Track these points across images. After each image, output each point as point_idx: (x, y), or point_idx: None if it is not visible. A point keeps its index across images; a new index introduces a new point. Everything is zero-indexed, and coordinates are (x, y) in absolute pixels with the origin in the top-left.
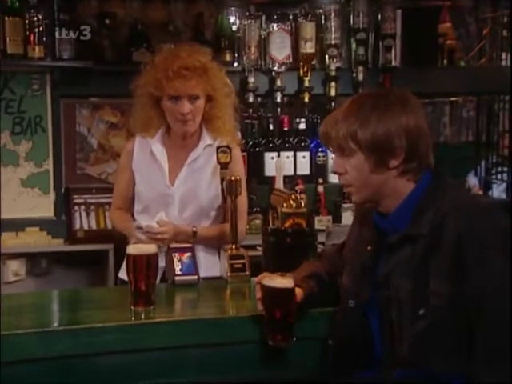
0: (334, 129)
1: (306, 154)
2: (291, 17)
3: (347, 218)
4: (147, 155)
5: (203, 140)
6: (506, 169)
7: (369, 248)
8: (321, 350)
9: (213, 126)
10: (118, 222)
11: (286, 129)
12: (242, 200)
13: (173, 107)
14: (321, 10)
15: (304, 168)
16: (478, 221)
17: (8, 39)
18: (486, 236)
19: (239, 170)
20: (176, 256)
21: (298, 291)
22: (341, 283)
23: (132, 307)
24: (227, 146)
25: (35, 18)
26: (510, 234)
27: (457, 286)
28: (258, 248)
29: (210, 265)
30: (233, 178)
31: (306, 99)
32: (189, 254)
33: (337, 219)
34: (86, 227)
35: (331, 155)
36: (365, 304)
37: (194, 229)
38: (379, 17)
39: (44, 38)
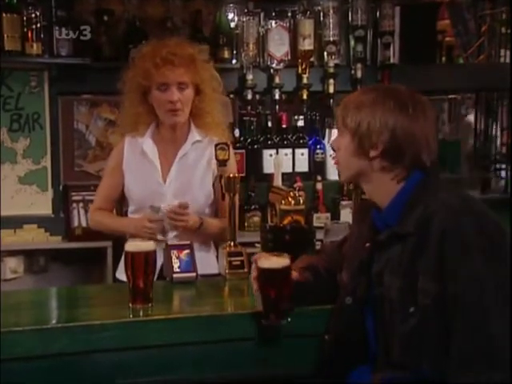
0: (341, 106)
1: (305, 151)
2: (290, 14)
3: (345, 215)
4: (138, 154)
5: (191, 135)
6: (504, 166)
7: (367, 245)
8: (318, 345)
9: (202, 120)
10: (105, 218)
11: (284, 126)
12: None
13: (161, 96)
14: (319, 7)
15: (302, 165)
16: (462, 220)
17: (6, 36)
18: (469, 236)
19: (232, 166)
20: (174, 253)
21: (294, 274)
22: (339, 279)
23: (130, 304)
24: (225, 143)
25: (33, 15)
26: (496, 235)
27: (441, 285)
28: (257, 245)
29: (205, 262)
30: (231, 175)
31: (305, 96)
32: (187, 251)
33: (335, 216)
34: (84, 224)
35: (329, 152)
36: (362, 301)
37: (200, 219)
38: (378, 14)
39: (42, 35)
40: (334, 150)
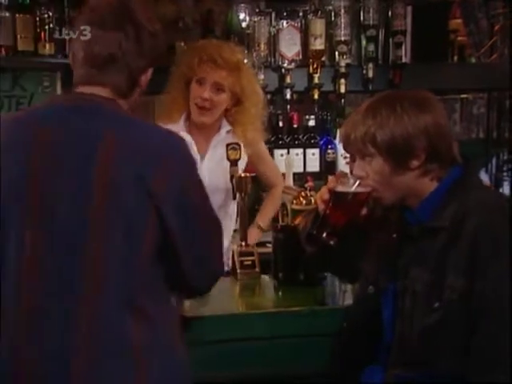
0: (352, 132)
1: (316, 150)
2: (301, 13)
3: None
4: None
5: (224, 127)
6: None
7: (394, 236)
8: (336, 333)
9: (234, 129)
10: None
11: (295, 126)
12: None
13: (197, 90)
14: (330, 7)
15: (313, 165)
16: (497, 219)
17: (19, 36)
18: (503, 235)
19: (270, 166)
20: None
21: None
22: (362, 267)
23: None
24: (237, 143)
25: (45, 15)
26: None
27: (470, 283)
28: (268, 245)
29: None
30: (243, 175)
31: (316, 96)
32: None
33: None
34: None
35: (340, 152)
36: (384, 291)
37: (259, 224)
38: (389, 13)
39: (54, 35)
40: (360, 177)
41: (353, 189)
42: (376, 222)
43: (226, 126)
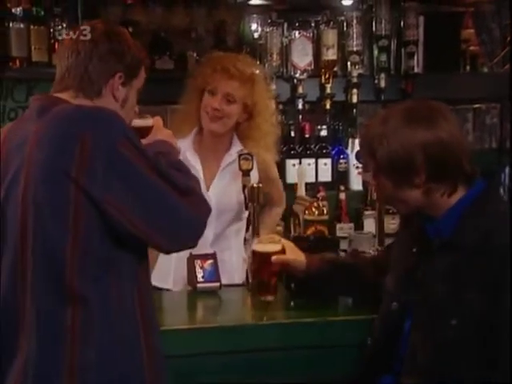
0: (361, 144)
1: (328, 160)
2: (313, 24)
3: (369, 225)
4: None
5: (235, 145)
6: None
7: (414, 250)
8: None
9: (244, 144)
10: None
11: (307, 136)
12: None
13: (208, 100)
14: (343, 17)
15: (325, 175)
16: None
17: (33, 48)
18: None
19: (278, 190)
20: (198, 263)
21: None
22: (384, 284)
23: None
24: (249, 154)
25: (59, 27)
26: None
27: (489, 300)
28: None
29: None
30: (255, 185)
31: (328, 106)
32: (211, 261)
33: (358, 226)
34: None
35: (352, 162)
36: (407, 306)
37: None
38: (402, 23)
39: None
40: (374, 188)
41: (265, 248)
42: (397, 235)
43: (236, 145)
